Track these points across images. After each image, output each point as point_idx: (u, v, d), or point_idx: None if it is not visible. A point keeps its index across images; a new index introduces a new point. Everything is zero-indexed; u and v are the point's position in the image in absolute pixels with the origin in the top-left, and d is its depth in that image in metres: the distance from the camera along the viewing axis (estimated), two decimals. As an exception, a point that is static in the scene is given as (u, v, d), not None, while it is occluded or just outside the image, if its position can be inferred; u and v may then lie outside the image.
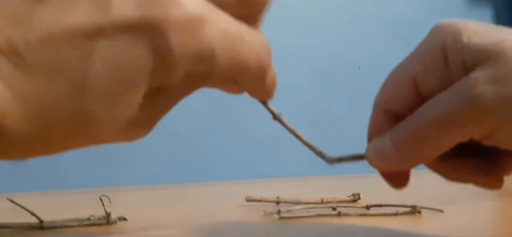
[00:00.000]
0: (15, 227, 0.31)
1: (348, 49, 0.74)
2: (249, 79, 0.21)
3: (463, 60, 0.21)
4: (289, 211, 0.35)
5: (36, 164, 0.55)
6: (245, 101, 0.73)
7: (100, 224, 0.31)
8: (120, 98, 0.17)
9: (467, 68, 0.21)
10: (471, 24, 0.22)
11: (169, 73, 0.18)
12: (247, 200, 0.40)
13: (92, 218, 0.32)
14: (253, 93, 0.23)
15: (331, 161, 0.27)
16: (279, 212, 0.35)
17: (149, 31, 0.16)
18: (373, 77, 0.80)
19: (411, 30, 0.78)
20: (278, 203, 0.39)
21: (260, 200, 0.40)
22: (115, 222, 0.32)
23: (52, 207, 0.40)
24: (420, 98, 0.23)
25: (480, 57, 0.21)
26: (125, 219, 0.32)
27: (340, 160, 0.27)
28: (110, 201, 0.32)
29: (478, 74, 0.20)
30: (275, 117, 0.24)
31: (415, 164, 0.25)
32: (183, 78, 0.18)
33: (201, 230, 0.31)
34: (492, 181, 0.24)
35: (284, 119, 0.25)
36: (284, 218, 0.34)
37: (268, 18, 0.76)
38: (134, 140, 0.20)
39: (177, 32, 0.16)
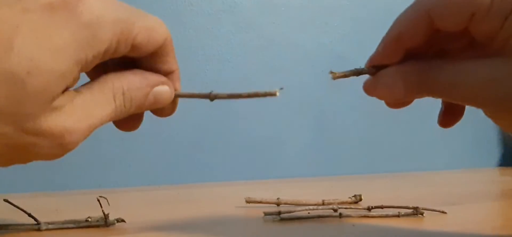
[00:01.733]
0: (12, 228, 0.30)
1: (348, 49, 0.73)
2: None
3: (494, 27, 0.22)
4: (290, 212, 0.35)
5: (33, 165, 0.54)
6: (245, 101, 0.72)
7: (98, 226, 0.31)
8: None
9: (507, 44, 0.22)
10: None
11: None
12: (247, 201, 0.39)
13: (90, 219, 0.31)
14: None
15: (335, 77, 0.29)
16: (279, 213, 0.34)
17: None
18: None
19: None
20: (278, 204, 0.39)
21: (260, 202, 0.39)
22: (113, 224, 0.32)
23: (49, 208, 0.40)
24: (435, 34, 0.24)
25: None
26: (123, 220, 0.32)
27: (344, 75, 0.29)
28: (108, 203, 0.32)
29: None
30: (211, 98, 0.26)
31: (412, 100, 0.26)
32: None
33: (201, 231, 0.30)
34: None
35: (219, 91, 0.26)
36: (285, 219, 0.33)
37: (268, 18, 0.76)
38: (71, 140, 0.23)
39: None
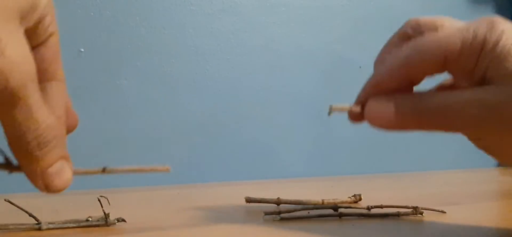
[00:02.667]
0: (13, 228, 0.31)
1: (348, 49, 0.73)
2: None
3: (487, 67, 0.24)
4: (290, 212, 0.35)
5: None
6: (245, 101, 0.72)
7: (98, 225, 0.31)
8: None
9: (486, 77, 0.24)
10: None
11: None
12: (247, 201, 0.39)
13: (90, 219, 0.31)
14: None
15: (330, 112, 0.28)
16: (279, 213, 0.34)
17: None
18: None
19: (412, 30, 0.77)
20: (278, 204, 0.39)
21: (260, 201, 0.39)
22: (113, 223, 0.32)
23: (50, 208, 0.40)
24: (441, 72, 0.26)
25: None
26: (124, 220, 0.32)
27: (342, 109, 0.29)
28: (108, 202, 0.32)
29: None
30: (106, 172, 0.25)
31: (404, 129, 0.27)
32: None
33: (201, 231, 0.30)
34: None
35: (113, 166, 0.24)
36: (285, 219, 0.34)
37: (268, 18, 0.76)
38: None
39: None
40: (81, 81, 0.59)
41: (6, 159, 0.23)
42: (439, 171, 0.73)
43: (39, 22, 0.21)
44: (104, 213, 0.31)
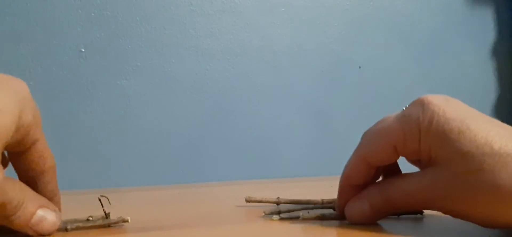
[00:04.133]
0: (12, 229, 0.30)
1: (348, 49, 0.73)
2: None
3: (429, 147, 0.27)
4: (289, 211, 0.35)
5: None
6: (245, 101, 0.72)
7: (101, 226, 0.31)
8: None
9: (431, 157, 0.27)
10: (445, 113, 0.26)
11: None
12: (247, 201, 0.39)
13: (91, 218, 0.31)
14: None
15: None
16: (279, 212, 0.34)
17: None
18: (373, 77, 0.80)
19: (411, 30, 0.77)
20: (278, 203, 0.39)
21: (260, 201, 0.39)
22: (115, 223, 0.31)
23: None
24: (396, 157, 0.30)
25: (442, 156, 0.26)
26: (126, 220, 0.32)
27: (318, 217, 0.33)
28: (109, 202, 0.32)
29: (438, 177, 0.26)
30: (67, 230, 0.29)
31: (381, 218, 0.31)
32: None
33: (201, 231, 0.30)
34: None
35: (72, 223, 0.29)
36: (284, 218, 0.34)
37: (268, 18, 0.76)
38: None
39: None
40: (81, 81, 0.59)
41: None
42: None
43: (23, 137, 0.26)
44: (105, 212, 0.31)
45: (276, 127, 0.68)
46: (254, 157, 0.67)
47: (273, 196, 0.39)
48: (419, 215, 0.35)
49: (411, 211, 0.35)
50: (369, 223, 0.30)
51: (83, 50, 0.59)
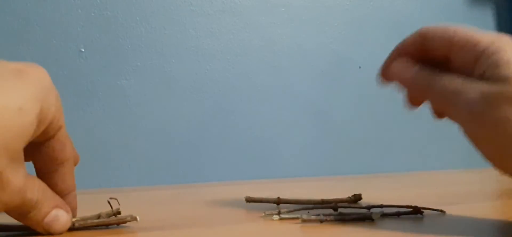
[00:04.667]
0: (22, 226, 0.30)
1: (348, 49, 0.73)
2: None
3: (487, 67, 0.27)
4: (290, 211, 0.35)
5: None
6: (245, 101, 0.72)
7: (110, 223, 0.31)
8: None
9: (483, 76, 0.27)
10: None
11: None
12: (247, 201, 0.39)
13: (101, 215, 0.31)
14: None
15: None
16: (279, 212, 0.34)
17: None
18: (373, 77, 0.80)
19: (411, 30, 0.77)
20: (278, 203, 0.39)
21: (260, 201, 0.39)
22: (124, 221, 0.31)
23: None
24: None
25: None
26: (135, 219, 0.32)
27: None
28: (118, 203, 0.32)
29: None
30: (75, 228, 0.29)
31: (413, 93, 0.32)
32: None
33: (201, 231, 0.30)
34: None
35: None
36: (285, 218, 0.34)
37: (268, 18, 0.76)
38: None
39: None
40: (81, 81, 0.59)
41: None
42: (439, 171, 0.73)
43: (46, 128, 0.26)
44: (114, 212, 0.31)
45: (276, 127, 0.68)
46: (254, 157, 0.67)
47: (273, 196, 0.39)
48: (419, 215, 0.35)
49: (411, 212, 0.35)
50: (402, 85, 0.32)
51: (83, 50, 0.59)
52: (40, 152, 0.27)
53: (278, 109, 0.69)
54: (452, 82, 0.29)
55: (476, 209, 0.38)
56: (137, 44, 0.62)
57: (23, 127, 0.23)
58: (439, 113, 0.33)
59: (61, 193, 0.28)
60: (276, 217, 0.34)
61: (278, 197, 0.39)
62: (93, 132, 0.59)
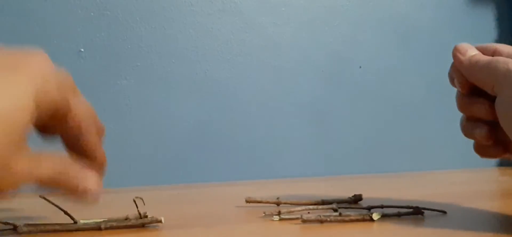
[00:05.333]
0: (49, 227, 0.30)
1: (348, 49, 0.73)
2: None
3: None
4: (290, 212, 0.35)
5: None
6: (245, 101, 0.72)
7: (135, 226, 0.31)
8: None
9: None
10: None
11: None
12: (247, 201, 0.39)
13: (129, 218, 0.32)
14: None
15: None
16: (279, 213, 0.34)
17: None
18: (374, 77, 0.80)
19: (411, 29, 0.77)
20: (278, 204, 0.39)
21: (260, 201, 0.39)
22: (149, 222, 0.32)
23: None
24: None
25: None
26: (160, 221, 0.32)
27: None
28: (143, 203, 0.32)
29: None
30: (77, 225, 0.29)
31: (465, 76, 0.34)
32: None
33: (201, 231, 0.30)
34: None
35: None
36: (285, 219, 0.33)
37: (268, 18, 0.76)
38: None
39: None
40: (81, 81, 0.58)
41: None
42: (439, 171, 0.73)
43: (53, 113, 0.26)
44: (139, 213, 0.31)
45: (276, 127, 0.68)
46: (254, 157, 0.67)
47: (273, 196, 0.39)
48: (419, 216, 0.35)
49: (412, 212, 0.35)
50: (458, 66, 0.34)
51: (83, 50, 0.59)
52: (60, 128, 0.28)
53: (278, 109, 0.69)
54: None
55: (477, 210, 0.38)
56: (137, 44, 0.62)
57: (17, 126, 0.23)
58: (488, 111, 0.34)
59: (89, 164, 0.28)
60: (276, 217, 0.34)
61: (278, 198, 0.39)
62: (93, 132, 0.58)
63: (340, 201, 0.40)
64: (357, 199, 0.41)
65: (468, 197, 0.45)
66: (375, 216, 0.32)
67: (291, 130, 0.69)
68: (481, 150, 0.35)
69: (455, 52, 0.34)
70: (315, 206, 0.37)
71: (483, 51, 0.34)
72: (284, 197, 0.39)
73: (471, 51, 0.34)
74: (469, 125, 0.35)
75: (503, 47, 0.34)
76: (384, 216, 0.34)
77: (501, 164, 0.80)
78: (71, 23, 0.59)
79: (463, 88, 0.35)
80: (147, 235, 0.29)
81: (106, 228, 0.30)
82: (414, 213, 0.34)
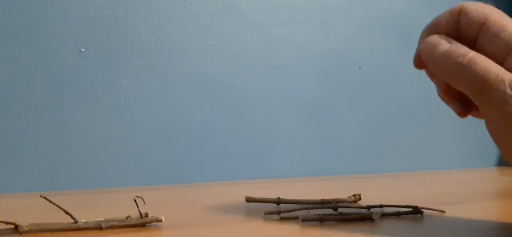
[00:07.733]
0: (50, 227, 0.30)
1: (348, 49, 0.73)
2: None
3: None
4: (290, 211, 0.35)
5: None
6: (245, 101, 0.72)
7: (136, 225, 0.31)
8: None
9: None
10: None
11: None
12: (247, 200, 0.39)
13: (129, 218, 0.32)
14: None
15: None
16: (279, 213, 0.34)
17: None
18: (373, 77, 0.80)
19: (411, 29, 0.78)
20: (278, 203, 0.39)
21: (260, 200, 0.39)
22: (150, 222, 0.32)
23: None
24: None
25: None
26: (160, 220, 0.32)
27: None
28: (144, 202, 0.32)
29: None
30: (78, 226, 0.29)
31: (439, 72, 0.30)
32: None
33: (201, 231, 0.30)
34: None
35: None
36: (285, 218, 0.34)
37: (268, 18, 0.76)
38: None
39: None
40: (81, 81, 0.59)
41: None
42: (439, 171, 0.73)
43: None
44: (140, 212, 0.31)
45: (276, 127, 0.68)
46: (254, 157, 0.67)
47: (273, 196, 0.39)
48: (419, 215, 0.35)
49: (411, 211, 0.35)
50: (428, 63, 0.30)
51: (83, 50, 0.59)
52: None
53: (278, 109, 0.69)
54: (493, 67, 0.26)
55: (476, 209, 0.38)
56: (137, 44, 0.62)
57: None
58: (465, 109, 0.31)
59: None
60: (276, 217, 0.34)
61: (278, 197, 0.39)
62: (93, 132, 0.59)
63: (339, 201, 0.40)
64: (356, 199, 0.42)
65: (467, 197, 0.45)
66: (375, 215, 0.32)
67: (291, 130, 0.69)
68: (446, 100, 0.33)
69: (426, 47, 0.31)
70: (315, 206, 0.37)
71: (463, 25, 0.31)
72: (284, 197, 0.39)
73: (443, 46, 0.30)
74: (444, 97, 0.32)
75: (493, 13, 0.30)
76: (383, 216, 0.34)
77: (501, 164, 0.80)
78: (71, 23, 0.59)
79: (441, 87, 0.32)
80: (147, 235, 0.29)
81: (106, 228, 0.30)
82: (414, 212, 0.35)
